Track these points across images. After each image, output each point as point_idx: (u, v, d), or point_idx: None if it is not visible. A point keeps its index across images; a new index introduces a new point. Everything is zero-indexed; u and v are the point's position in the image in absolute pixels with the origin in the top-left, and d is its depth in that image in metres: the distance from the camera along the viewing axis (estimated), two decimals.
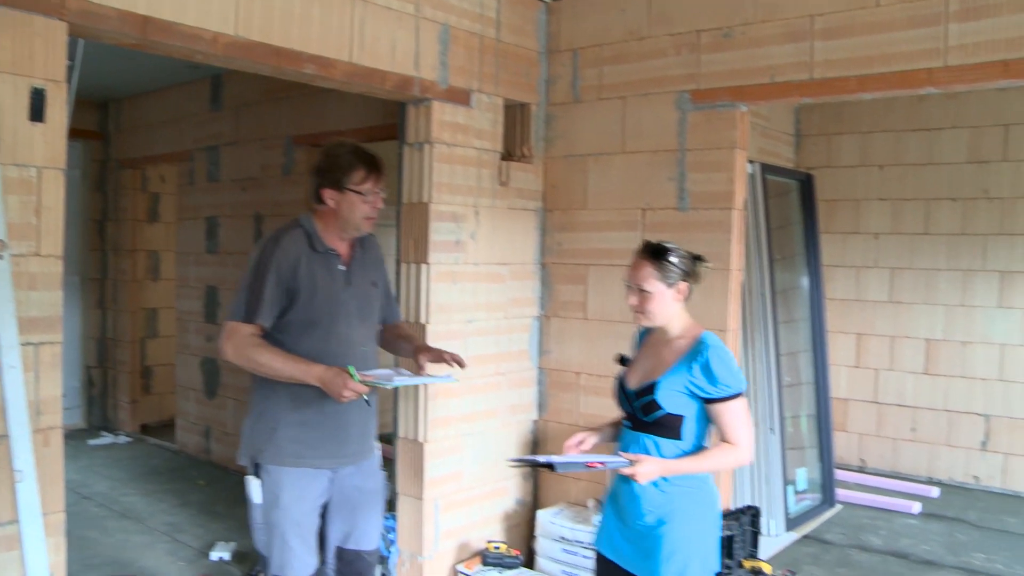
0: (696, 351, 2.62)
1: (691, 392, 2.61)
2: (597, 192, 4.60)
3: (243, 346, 2.88)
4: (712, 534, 2.73)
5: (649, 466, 2.52)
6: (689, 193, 4.26)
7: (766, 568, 4.28)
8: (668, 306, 2.67)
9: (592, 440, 2.78)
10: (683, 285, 2.67)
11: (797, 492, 5.56)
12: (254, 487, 3.04)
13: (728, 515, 4.29)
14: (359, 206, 2.98)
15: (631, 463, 2.51)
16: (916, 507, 5.87)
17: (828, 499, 5.87)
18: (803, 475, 5.69)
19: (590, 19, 4.60)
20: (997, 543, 5.27)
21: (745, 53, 4.06)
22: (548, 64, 4.77)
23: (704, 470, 2.66)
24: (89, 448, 7.25)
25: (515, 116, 4.68)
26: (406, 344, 3.30)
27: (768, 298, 5.31)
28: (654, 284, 2.64)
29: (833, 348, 6.78)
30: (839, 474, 6.27)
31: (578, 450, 2.75)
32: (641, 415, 2.66)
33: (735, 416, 2.62)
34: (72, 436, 7.17)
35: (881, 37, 3.68)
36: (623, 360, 2.85)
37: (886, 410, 6.80)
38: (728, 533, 4.22)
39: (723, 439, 2.65)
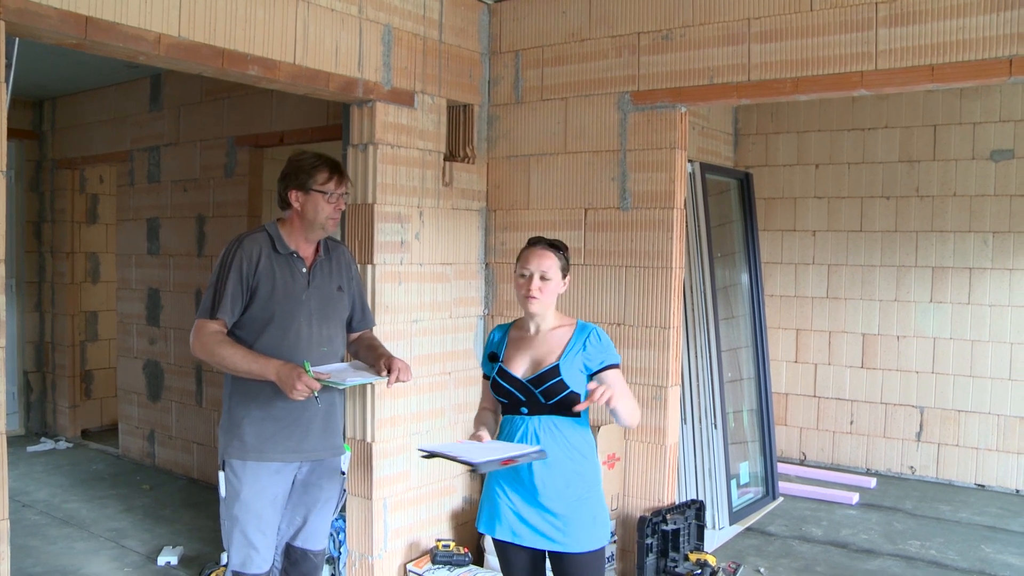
0: (582, 332, 2.88)
1: (586, 369, 2.84)
2: (540, 192, 4.65)
3: (208, 342, 2.99)
4: None
5: (607, 390, 2.64)
6: (631, 193, 4.33)
7: (711, 560, 4.37)
8: (554, 295, 2.90)
9: (487, 436, 2.85)
10: (567, 279, 2.94)
11: (740, 486, 5.67)
12: (221, 481, 3.12)
13: (674, 509, 4.37)
14: (323, 206, 3.13)
15: (597, 398, 2.62)
16: (855, 498, 6.01)
17: (770, 492, 5.99)
18: (745, 469, 5.80)
19: (532, 21, 4.64)
20: (932, 530, 5.43)
21: (684, 55, 4.14)
22: (490, 65, 4.81)
23: (631, 406, 2.83)
24: (28, 455, 7.11)
25: (458, 117, 4.71)
26: (371, 353, 3.37)
27: (709, 295, 5.39)
28: (555, 273, 2.89)
29: (773, 344, 6.93)
30: (781, 467, 6.39)
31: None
32: (542, 399, 2.82)
33: (623, 380, 2.89)
34: (9, 442, 6.98)
35: (815, 41, 3.78)
36: (495, 357, 2.97)
37: (825, 404, 6.96)
38: (674, 527, 4.30)
39: None
